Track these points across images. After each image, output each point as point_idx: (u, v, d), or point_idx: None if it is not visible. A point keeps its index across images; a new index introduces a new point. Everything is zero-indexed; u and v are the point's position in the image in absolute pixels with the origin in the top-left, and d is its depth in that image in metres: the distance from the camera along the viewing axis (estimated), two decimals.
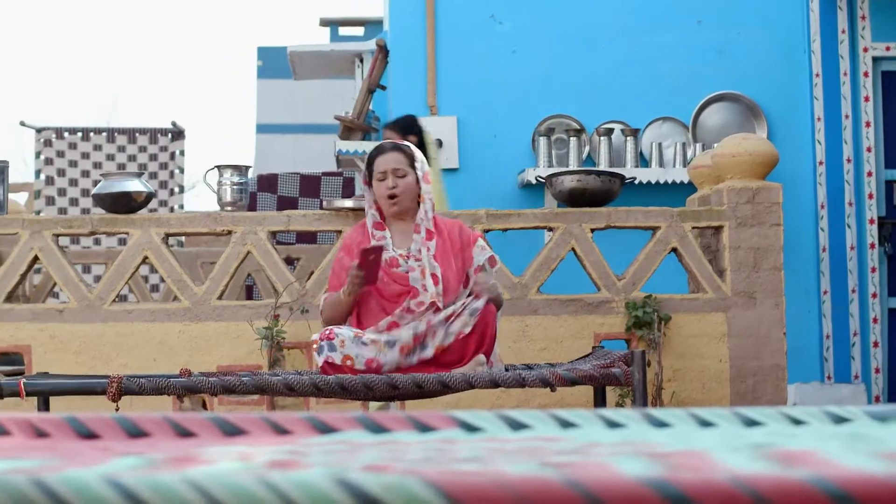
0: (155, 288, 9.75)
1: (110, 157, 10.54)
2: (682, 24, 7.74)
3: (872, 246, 7.43)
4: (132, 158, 10.53)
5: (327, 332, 4.38)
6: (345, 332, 4.38)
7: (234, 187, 5.96)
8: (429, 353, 4.36)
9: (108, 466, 1.04)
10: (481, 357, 4.43)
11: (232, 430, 1.30)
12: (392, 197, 4.55)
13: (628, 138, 7.54)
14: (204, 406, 5.59)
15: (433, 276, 4.50)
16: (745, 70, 7.72)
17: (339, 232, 5.71)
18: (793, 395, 7.18)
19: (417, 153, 4.69)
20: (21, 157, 22.54)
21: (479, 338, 4.37)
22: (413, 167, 4.63)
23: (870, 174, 7.48)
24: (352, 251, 4.62)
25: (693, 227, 5.74)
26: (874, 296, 7.41)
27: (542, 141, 7.48)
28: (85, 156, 10.53)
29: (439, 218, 4.71)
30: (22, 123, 10.92)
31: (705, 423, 1.33)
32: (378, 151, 4.66)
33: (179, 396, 4.06)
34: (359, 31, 14.75)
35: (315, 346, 4.40)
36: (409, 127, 6.58)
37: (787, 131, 7.65)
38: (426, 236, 4.57)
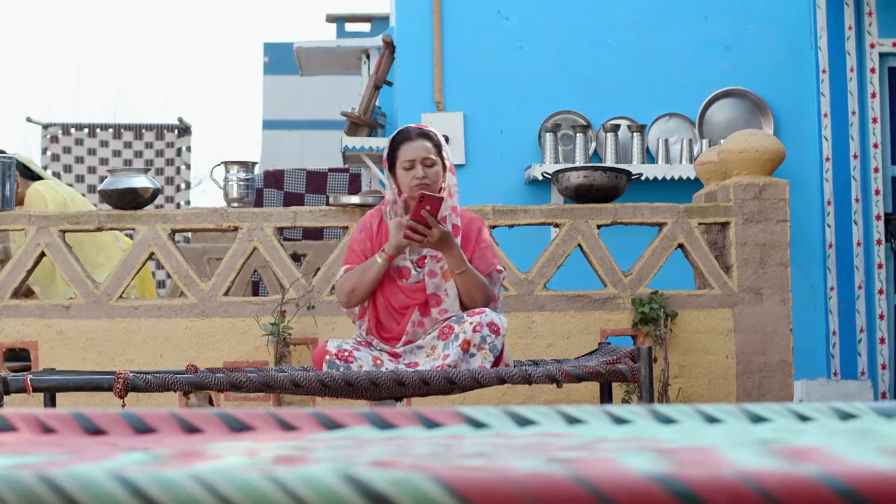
0: (161, 284, 9.76)
1: (117, 154, 10.55)
2: (689, 19, 7.73)
3: (879, 242, 7.42)
4: (139, 154, 10.55)
5: (345, 352, 4.20)
6: (363, 355, 4.22)
7: (241, 183, 5.96)
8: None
9: (115, 462, 1.04)
10: None
11: (238, 426, 1.30)
12: (422, 187, 4.23)
13: (635, 134, 7.53)
14: (210, 402, 5.60)
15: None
16: (752, 66, 7.71)
17: (346, 228, 5.70)
18: (799, 392, 7.17)
19: (444, 140, 4.40)
20: (27, 153, 22.57)
21: (495, 364, 4.22)
22: (440, 156, 4.33)
23: (876, 170, 7.46)
24: (370, 230, 4.39)
25: (699, 224, 5.73)
26: (881, 292, 7.40)
27: (549, 137, 7.47)
28: (91, 152, 10.54)
29: (462, 212, 4.44)
30: (28, 119, 10.94)
31: (712, 420, 1.33)
32: (403, 137, 4.32)
33: (186, 392, 4.06)
34: (365, 27, 14.77)
35: (327, 358, 4.19)
36: None
37: (794, 127, 7.64)
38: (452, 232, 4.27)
